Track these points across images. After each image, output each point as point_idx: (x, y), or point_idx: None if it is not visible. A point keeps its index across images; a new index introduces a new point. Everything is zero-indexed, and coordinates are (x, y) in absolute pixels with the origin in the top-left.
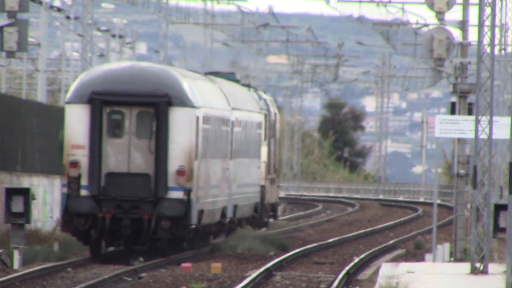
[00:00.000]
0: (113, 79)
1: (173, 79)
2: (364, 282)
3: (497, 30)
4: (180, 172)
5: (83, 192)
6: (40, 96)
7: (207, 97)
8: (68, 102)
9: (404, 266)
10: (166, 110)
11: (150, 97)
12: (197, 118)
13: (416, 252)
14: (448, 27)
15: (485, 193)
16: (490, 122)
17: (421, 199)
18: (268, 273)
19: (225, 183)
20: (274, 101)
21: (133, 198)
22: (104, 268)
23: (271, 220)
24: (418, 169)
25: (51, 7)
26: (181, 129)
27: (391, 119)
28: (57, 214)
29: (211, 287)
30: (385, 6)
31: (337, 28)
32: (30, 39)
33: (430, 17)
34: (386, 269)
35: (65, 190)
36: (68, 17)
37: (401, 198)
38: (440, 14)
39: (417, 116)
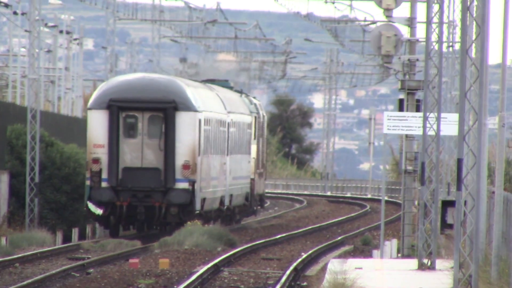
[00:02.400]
0: (128, 88)
1: (179, 88)
2: (312, 278)
3: (445, 27)
4: (185, 166)
5: (104, 184)
6: None
7: (207, 103)
8: (89, 108)
9: (352, 262)
10: (173, 114)
11: (159, 103)
12: (199, 120)
13: (363, 248)
14: (396, 24)
15: (433, 189)
16: (438, 119)
17: (369, 196)
18: (216, 269)
19: (223, 176)
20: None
21: (146, 188)
22: (52, 264)
23: (259, 208)
24: (365, 165)
25: None
26: (186, 129)
27: (339, 116)
28: (4, 209)
29: (159, 283)
30: (333, 3)
31: (285, 25)
32: None
33: (378, 14)
34: (334, 265)
35: (88, 182)
36: (15, 13)
37: (348, 195)
38: (388, 11)
39: (365, 113)
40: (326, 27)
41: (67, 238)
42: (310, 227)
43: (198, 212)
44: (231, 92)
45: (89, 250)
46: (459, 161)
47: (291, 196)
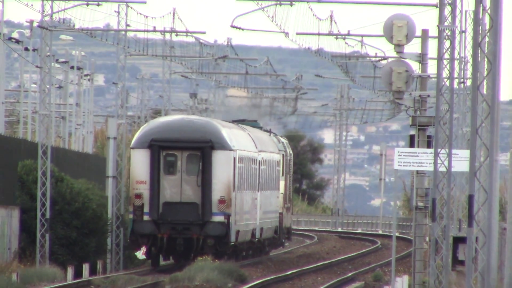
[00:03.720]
0: (168, 129)
1: (215, 128)
2: None
3: (456, 63)
4: (221, 201)
5: (146, 217)
6: None
7: (240, 142)
8: (132, 148)
9: None
10: (210, 152)
11: (197, 143)
12: (234, 158)
13: (375, 284)
14: (407, 60)
15: (444, 225)
16: (449, 155)
17: (380, 232)
18: None
19: (254, 210)
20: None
21: (184, 221)
22: None
23: (286, 240)
24: (376, 202)
25: (10, 38)
26: (222, 167)
27: (349, 151)
28: (15, 245)
29: None
30: (344, 39)
31: (296, 61)
32: None
33: (389, 50)
34: None
35: (131, 216)
36: (26, 49)
37: (359, 231)
38: (399, 47)
39: (376, 149)
40: (337, 63)
41: (78, 274)
42: (321, 263)
43: (232, 243)
44: (261, 131)
45: (100, 286)
46: (470, 198)
47: (301, 232)
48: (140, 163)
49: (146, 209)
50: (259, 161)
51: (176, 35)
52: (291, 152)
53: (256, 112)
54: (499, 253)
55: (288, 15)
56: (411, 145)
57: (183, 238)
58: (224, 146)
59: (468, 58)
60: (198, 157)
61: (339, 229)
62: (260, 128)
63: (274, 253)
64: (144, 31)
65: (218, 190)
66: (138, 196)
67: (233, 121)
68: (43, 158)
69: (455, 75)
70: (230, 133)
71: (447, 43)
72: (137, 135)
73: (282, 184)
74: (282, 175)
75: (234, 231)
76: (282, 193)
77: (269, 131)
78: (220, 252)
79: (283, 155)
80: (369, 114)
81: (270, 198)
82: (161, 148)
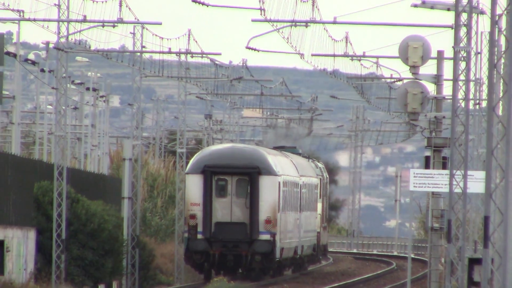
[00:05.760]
0: (219, 156)
1: (262, 156)
2: None
3: (471, 84)
4: (267, 221)
5: (199, 236)
6: (15, 148)
7: (284, 168)
8: (187, 173)
9: None
10: (257, 178)
11: (245, 169)
12: (279, 183)
13: None
14: (423, 82)
15: (459, 247)
16: (465, 176)
17: (395, 253)
18: None
19: (296, 229)
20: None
21: (234, 239)
22: None
23: (323, 257)
24: (391, 223)
25: (26, 60)
26: (268, 191)
27: (364, 173)
28: (31, 266)
29: None
30: (359, 60)
31: (311, 82)
32: (5, 92)
33: (404, 71)
34: None
35: (186, 235)
36: (42, 70)
37: (375, 252)
38: (414, 69)
39: (391, 170)
40: (352, 84)
41: None
42: (336, 284)
43: (277, 259)
44: (301, 158)
45: None
46: (486, 219)
47: None
48: (194, 187)
49: (199, 228)
50: (300, 185)
51: (192, 56)
52: (327, 175)
53: (272, 133)
54: None
55: (303, 36)
56: (427, 166)
57: (233, 255)
58: (270, 172)
59: (484, 80)
60: (247, 182)
61: (354, 250)
62: (299, 154)
63: (313, 268)
64: (160, 52)
65: (264, 211)
66: (193, 216)
67: (274, 148)
68: (59, 179)
69: (471, 96)
70: (275, 160)
71: (462, 65)
72: (191, 161)
73: (320, 205)
74: (320, 197)
75: (279, 248)
76: (319, 214)
77: (308, 157)
78: (267, 267)
79: (320, 179)
80: (384, 136)
81: (310, 218)
82: (213, 173)
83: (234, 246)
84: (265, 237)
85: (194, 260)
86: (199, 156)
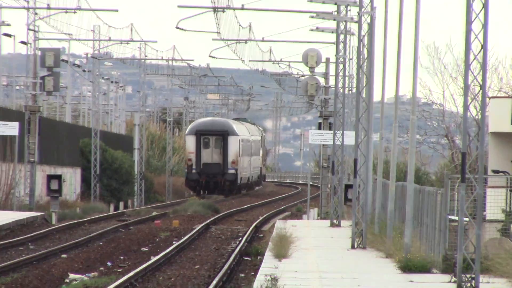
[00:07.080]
0: (205, 125)
1: (229, 124)
2: (266, 232)
3: (346, 78)
4: (233, 162)
5: (193, 171)
6: (67, 119)
7: (242, 131)
8: (187, 134)
9: (290, 222)
10: (227, 137)
11: (220, 132)
12: (239, 140)
13: (297, 213)
14: (317, 77)
15: (339, 177)
16: (342, 135)
17: (300, 182)
18: (207, 226)
19: (249, 166)
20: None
21: (214, 173)
22: (107, 223)
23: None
24: (298, 163)
25: (74, 64)
26: (233, 144)
27: (281, 133)
28: (78, 190)
29: (172, 235)
30: (278, 63)
31: (249, 78)
32: (61, 84)
33: (306, 70)
34: (279, 224)
35: (186, 170)
36: (84, 70)
37: (288, 181)
38: (312, 68)
39: (298, 131)
40: (274, 78)
41: (116, 208)
42: (264, 200)
43: (239, 184)
44: (250, 124)
45: (130, 215)
46: (355, 160)
47: None
48: (190, 142)
49: (194, 166)
50: (251, 140)
51: (175, 61)
52: (265, 134)
53: (224, 108)
54: (372, 194)
55: (244, 49)
56: (319, 128)
57: (213, 182)
58: (234, 134)
59: (353, 75)
60: (221, 139)
61: (276, 180)
62: (249, 122)
63: (257, 189)
64: (156, 59)
65: (231, 156)
66: (190, 160)
67: (234, 119)
68: (94, 137)
69: (346, 85)
70: (237, 126)
71: (341, 66)
72: (189, 127)
73: (261, 152)
74: (261, 147)
75: (239, 178)
76: (261, 157)
77: (254, 124)
78: (232, 189)
79: (261, 136)
80: (293, 110)
81: (256, 160)
82: (202, 134)
83: (213, 177)
84: (232, 171)
85: (190, 185)
86: (193, 125)
